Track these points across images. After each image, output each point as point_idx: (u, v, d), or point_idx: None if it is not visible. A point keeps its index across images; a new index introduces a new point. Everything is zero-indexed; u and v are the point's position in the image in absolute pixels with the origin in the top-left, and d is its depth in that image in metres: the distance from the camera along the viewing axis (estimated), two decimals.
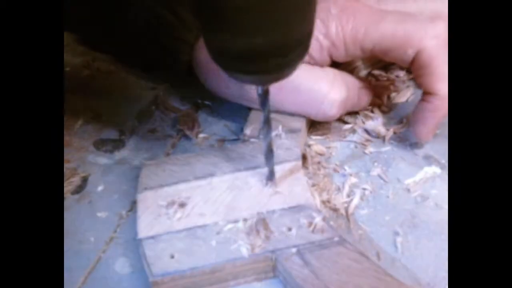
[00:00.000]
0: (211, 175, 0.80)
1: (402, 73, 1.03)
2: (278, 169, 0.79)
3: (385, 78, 1.00)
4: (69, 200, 0.89)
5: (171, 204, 0.77)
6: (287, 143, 0.83)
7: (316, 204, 0.79)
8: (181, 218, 0.75)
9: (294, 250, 0.70)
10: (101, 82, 1.10)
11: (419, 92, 1.01)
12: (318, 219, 0.73)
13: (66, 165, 0.94)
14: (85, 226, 0.85)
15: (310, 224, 0.72)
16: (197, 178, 0.80)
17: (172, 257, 0.71)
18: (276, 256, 0.70)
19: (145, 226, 0.75)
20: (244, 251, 0.70)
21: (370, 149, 0.91)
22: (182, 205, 0.76)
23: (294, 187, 0.77)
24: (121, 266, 0.79)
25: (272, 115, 0.88)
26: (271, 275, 0.73)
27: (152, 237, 0.73)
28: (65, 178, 0.91)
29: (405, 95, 1.00)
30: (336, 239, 0.71)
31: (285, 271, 0.69)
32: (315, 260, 0.69)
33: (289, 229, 0.72)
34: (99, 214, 0.86)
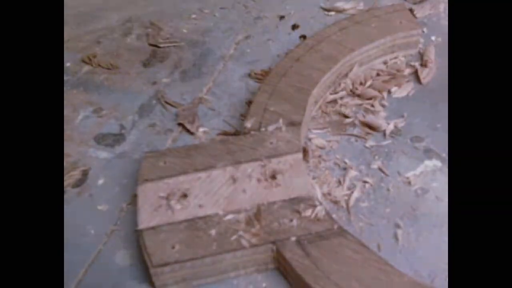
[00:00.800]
0: (211, 167, 0.80)
1: (403, 68, 1.03)
2: (279, 162, 0.79)
3: (386, 73, 1.00)
4: (70, 194, 0.88)
5: (171, 195, 0.77)
6: (288, 136, 0.83)
7: (317, 196, 0.79)
8: (182, 209, 0.75)
9: (294, 240, 0.70)
10: (102, 77, 1.10)
11: (420, 87, 1.02)
12: (319, 208, 0.73)
13: (66, 159, 0.94)
14: (86, 219, 0.85)
15: (311, 214, 0.72)
16: (197, 170, 0.79)
17: (173, 247, 0.71)
18: (277, 247, 0.70)
19: (146, 217, 0.75)
20: (245, 242, 0.70)
21: (371, 142, 0.91)
22: (183, 196, 0.76)
23: (295, 179, 0.77)
24: (122, 258, 0.79)
25: (272, 108, 0.89)
26: (271, 266, 0.73)
27: (153, 228, 0.73)
28: (65, 172, 0.91)
29: (406, 89, 1.00)
30: (336, 229, 0.71)
31: (285, 262, 0.69)
32: (315, 250, 0.69)
33: (290, 220, 0.72)
34: (99, 207, 0.86)
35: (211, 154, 0.82)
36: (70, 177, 0.91)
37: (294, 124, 0.86)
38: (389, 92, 1.00)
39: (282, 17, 1.21)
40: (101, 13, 1.28)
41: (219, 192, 0.76)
